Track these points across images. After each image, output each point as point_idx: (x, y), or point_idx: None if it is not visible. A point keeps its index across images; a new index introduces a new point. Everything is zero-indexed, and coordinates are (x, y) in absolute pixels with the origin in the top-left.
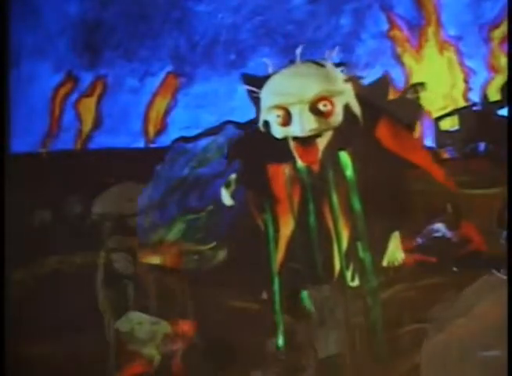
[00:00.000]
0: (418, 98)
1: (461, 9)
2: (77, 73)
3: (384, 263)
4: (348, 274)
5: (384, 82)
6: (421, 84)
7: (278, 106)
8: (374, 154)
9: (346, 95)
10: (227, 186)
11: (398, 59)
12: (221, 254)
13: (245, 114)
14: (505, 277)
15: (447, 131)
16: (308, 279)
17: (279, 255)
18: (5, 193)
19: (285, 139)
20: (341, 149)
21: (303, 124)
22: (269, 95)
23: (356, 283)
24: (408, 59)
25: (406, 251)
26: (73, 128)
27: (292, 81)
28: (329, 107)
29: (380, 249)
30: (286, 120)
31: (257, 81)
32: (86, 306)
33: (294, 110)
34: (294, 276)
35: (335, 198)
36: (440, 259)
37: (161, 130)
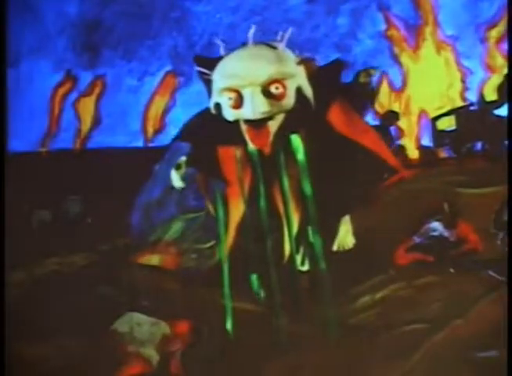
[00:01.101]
0: (370, 82)
1: (458, 9)
2: (77, 72)
3: (334, 248)
4: (298, 258)
5: (336, 65)
6: (373, 68)
7: (230, 89)
8: (326, 138)
9: (298, 78)
10: (177, 168)
11: (395, 58)
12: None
13: None
14: (501, 278)
15: (444, 131)
16: (258, 263)
17: (228, 239)
18: (5, 192)
19: (236, 122)
20: (293, 132)
21: (255, 106)
22: (221, 77)
23: (306, 267)
24: (405, 59)
25: (404, 249)
26: (72, 127)
27: (244, 64)
28: (281, 90)
29: (330, 234)
30: (238, 102)
31: (209, 63)
32: (85, 307)
33: (246, 93)
34: (244, 260)
35: (286, 182)
36: (437, 258)
37: (160, 129)
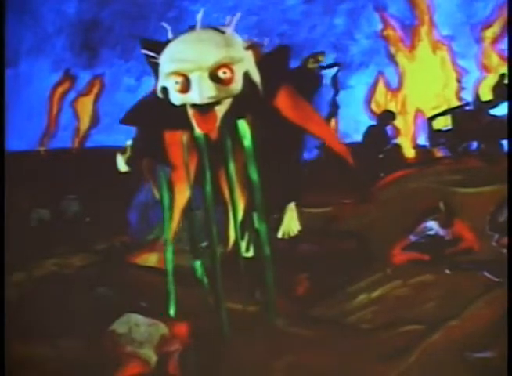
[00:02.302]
0: (318, 68)
1: (454, 9)
2: (75, 72)
3: (279, 235)
4: (243, 245)
5: (284, 51)
6: (321, 54)
7: (177, 73)
8: (273, 124)
9: (246, 63)
10: (123, 152)
11: (391, 58)
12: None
13: None
14: (497, 279)
15: (440, 131)
16: (202, 248)
17: (173, 224)
18: (4, 192)
19: (183, 106)
20: (240, 117)
21: (202, 91)
22: (168, 60)
23: (251, 253)
24: (401, 59)
25: (400, 248)
26: (70, 126)
27: (192, 47)
28: (228, 75)
29: (276, 220)
30: (185, 86)
31: (156, 46)
32: (84, 308)
33: (193, 77)
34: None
35: (232, 167)
36: (433, 257)
37: None
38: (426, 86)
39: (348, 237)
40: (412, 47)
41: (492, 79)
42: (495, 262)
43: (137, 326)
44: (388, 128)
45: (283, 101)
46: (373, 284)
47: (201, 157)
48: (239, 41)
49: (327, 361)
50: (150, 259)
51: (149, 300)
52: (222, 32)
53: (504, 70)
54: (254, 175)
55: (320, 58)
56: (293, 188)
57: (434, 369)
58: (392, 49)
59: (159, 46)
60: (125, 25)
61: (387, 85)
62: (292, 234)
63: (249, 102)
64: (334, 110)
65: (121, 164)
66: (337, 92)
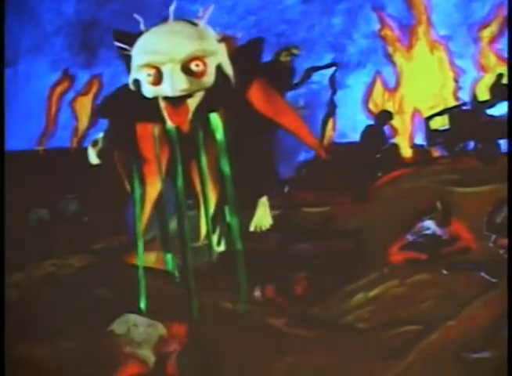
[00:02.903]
0: (291, 61)
1: (451, 9)
2: (74, 72)
3: (251, 228)
4: (214, 238)
5: (257, 44)
6: (295, 47)
7: (149, 65)
8: (245, 117)
9: (219, 56)
10: (94, 144)
11: (389, 58)
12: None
13: None
14: (494, 280)
15: (437, 131)
16: (174, 242)
17: (144, 217)
18: (4, 191)
19: (155, 99)
20: (212, 110)
21: (174, 83)
22: (140, 53)
23: (222, 248)
24: (399, 59)
25: (397, 248)
26: (69, 126)
27: (164, 40)
28: (201, 67)
29: (248, 214)
30: (157, 79)
31: (128, 38)
32: (83, 308)
33: (166, 70)
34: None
35: (204, 161)
36: (430, 256)
37: None
38: (423, 86)
39: (346, 237)
40: (409, 47)
41: (489, 79)
42: (492, 262)
43: (135, 326)
44: (386, 128)
45: (256, 94)
46: (371, 283)
47: (173, 150)
48: (212, 34)
49: (325, 361)
50: (149, 259)
51: (148, 300)
52: (195, 24)
53: (501, 69)
54: (225, 168)
55: (294, 51)
56: (266, 182)
57: (432, 369)
58: (390, 49)
59: (131, 38)
60: (124, 25)
61: (385, 85)
62: (264, 228)
63: (221, 95)
64: (332, 109)
65: (93, 157)
66: (334, 92)
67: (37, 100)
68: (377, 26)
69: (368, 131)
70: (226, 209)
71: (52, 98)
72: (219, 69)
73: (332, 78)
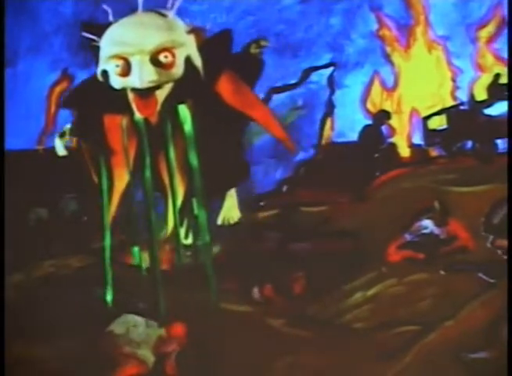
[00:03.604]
0: (260, 53)
1: (449, 9)
2: (73, 71)
3: (219, 221)
4: (182, 231)
5: (225, 36)
6: (264, 39)
7: (117, 56)
8: (214, 109)
9: (188, 47)
10: (61, 136)
11: (387, 58)
12: (214, 251)
13: None
14: (492, 281)
15: (435, 130)
16: (141, 234)
17: (111, 209)
18: (4, 191)
19: (123, 90)
20: (180, 102)
21: (142, 75)
22: (109, 44)
23: (190, 240)
24: (397, 59)
25: (395, 247)
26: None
27: (133, 31)
28: (170, 59)
29: (215, 207)
30: (126, 70)
31: (97, 29)
32: (82, 309)
33: (134, 61)
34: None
35: (172, 153)
36: (428, 256)
37: None
38: (421, 85)
39: (344, 236)
40: (407, 47)
41: (486, 79)
42: (490, 263)
43: (135, 327)
44: (384, 128)
45: (225, 87)
46: (369, 283)
47: (141, 141)
48: (181, 25)
49: (324, 361)
50: (145, 258)
51: (147, 301)
52: (164, 16)
53: (499, 69)
54: (193, 160)
55: (262, 43)
56: (234, 174)
57: (430, 369)
58: (388, 49)
59: (100, 29)
60: None
61: (383, 85)
62: (232, 221)
63: (190, 87)
64: (330, 109)
65: (60, 148)
66: (333, 92)
67: (36, 100)
68: (375, 26)
69: (366, 131)
70: (194, 201)
71: (52, 97)
72: (188, 60)
73: (330, 78)
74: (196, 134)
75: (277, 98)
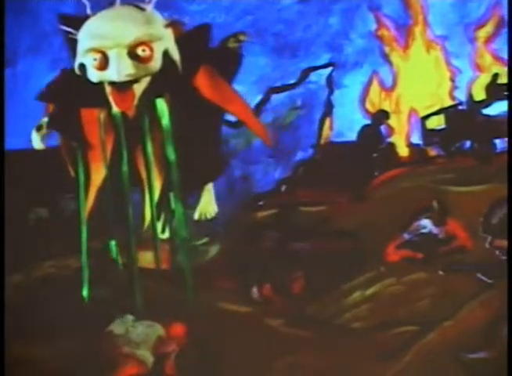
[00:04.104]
0: (239, 47)
1: (447, 9)
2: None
3: (196, 216)
4: (159, 225)
5: (204, 30)
6: (242, 33)
7: (95, 49)
8: (192, 103)
9: (166, 41)
10: (38, 129)
11: (385, 58)
12: (214, 250)
13: None
14: (490, 281)
15: (433, 130)
16: (118, 229)
17: (88, 203)
18: (4, 191)
19: (101, 84)
20: (158, 96)
21: (120, 68)
22: (86, 37)
23: (166, 235)
24: (395, 58)
25: (394, 246)
26: None
27: (111, 24)
28: (148, 52)
29: (193, 201)
30: (103, 64)
31: (74, 22)
32: (81, 309)
33: (112, 54)
34: (103, 226)
35: (149, 147)
36: (426, 255)
37: None
38: (420, 85)
39: (343, 236)
40: (406, 47)
41: (484, 79)
42: (488, 263)
43: (134, 327)
44: (382, 127)
45: (202, 80)
46: (368, 282)
47: (118, 135)
48: (159, 19)
49: (323, 361)
50: (145, 258)
51: (146, 301)
52: (142, 9)
53: (497, 69)
54: (171, 154)
55: (241, 37)
56: (211, 169)
57: (429, 369)
58: (386, 49)
59: (77, 22)
60: None
61: (382, 85)
62: (209, 216)
63: (168, 81)
64: (329, 109)
65: (36, 142)
66: (331, 92)
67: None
68: (374, 26)
69: (365, 131)
70: (171, 196)
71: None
72: (166, 54)
73: (329, 78)
74: (173, 128)
75: (276, 98)
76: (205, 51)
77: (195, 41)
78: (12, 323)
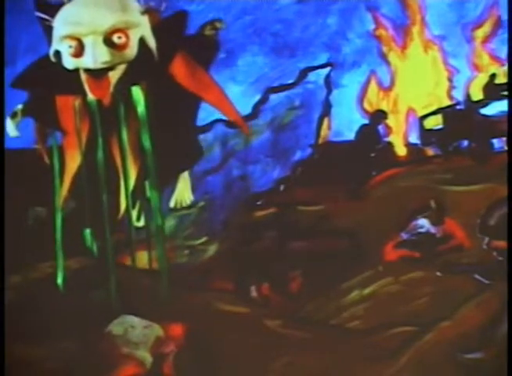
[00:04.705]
0: (215, 35)
1: (445, 9)
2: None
3: (172, 204)
4: (134, 213)
5: (181, 17)
6: (219, 21)
7: (70, 36)
8: (168, 91)
9: (142, 28)
10: (13, 116)
11: (383, 58)
12: (212, 249)
13: None
14: (487, 282)
15: (431, 130)
16: (93, 217)
17: (63, 190)
18: (4, 190)
19: (76, 71)
20: (134, 84)
21: (96, 56)
22: (62, 24)
23: (142, 223)
24: (393, 58)
25: (392, 246)
26: None
27: (86, 11)
28: (123, 40)
29: (168, 189)
30: (79, 51)
31: (50, 9)
32: (80, 310)
33: (87, 41)
34: (78, 213)
35: (125, 134)
36: (424, 254)
37: None
38: (417, 85)
39: (341, 235)
40: (404, 46)
41: (482, 78)
42: (485, 264)
43: (132, 327)
44: (380, 127)
45: (179, 68)
46: (366, 281)
47: (93, 123)
48: (135, 6)
49: (319, 362)
50: (141, 257)
51: (145, 302)
52: None
53: (494, 69)
54: (146, 142)
55: (217, 25)
56: (187, 157)
57: (426, 369)
58: (384, 49)
59: (53, 9)
60: None
61: (380, 84)
62: (184, 204)
63: (144, 68)
64: (327, 109)
65: (12, 130)
66: (330, 92)
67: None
68: (372, 26)
69: (363, 131)
70: (146, 184)
71: None
72: (142, 41)
73: (327, 78)
74: (149, 115)
75: (274, 98)
76: (181, 38)
77: (171, 29)
78: (12, 325)
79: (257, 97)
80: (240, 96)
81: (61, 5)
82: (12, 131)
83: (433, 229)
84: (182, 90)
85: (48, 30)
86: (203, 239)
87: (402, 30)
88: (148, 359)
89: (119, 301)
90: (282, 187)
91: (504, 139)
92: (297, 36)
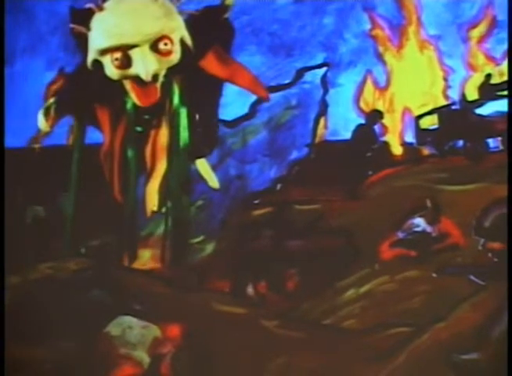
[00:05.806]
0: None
1: (440, 9)
2: (69, 70)
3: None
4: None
5: (212, 12)
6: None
7: (114, 48)
8: (200, 82)
9: (181, 29)
10: (45, 112)
11: (379, 57)
12: (209, 248)
13: (235, 112)
14: (483, 283)
15: (427, 130)
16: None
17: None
18: (4, 190)
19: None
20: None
21: (147, 66)
22: (103, 36)
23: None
24: (389, 58)
25: (388, 245)
26: (65, 123)
27: (128, 21)
28: (169, 46)
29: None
30: (126, 62)
31: (84, 16)
32: (79, 310)
33: (135, 53)
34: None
35: (165, 131)
36: (420, 253)
37: None
38: (413, 85)
39: (337, 234)
40: (399, 46)
41: (477, 78)
42: (481, 265)
43: (130, 328)
44: (376, 127)
45: (211, 61)
46: (361, 280)
47: (128, 121)
48: (173, 8)
49: (316, 362)
50: (144, 255)
51: (143, 303)
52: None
53: (490, 69)
54: (184, 134)
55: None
56: (205, 145)
57: (421, 370)
58: (380, 49)
59: (86, 16)
60: None
61: (376, 84)
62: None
63: (180, 65)
64: (324, 108)
65: (43, 124)
66: (326, 91)
67: (33, 99)
68: (368, 26)
69: (359, 130)
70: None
71: (48, 96)
72: (182, 42)
73: (324, 78)
74: (186, 109)
75: (271, 97)
76: (214, 32)
77: (204, 23)
78: (12, 325)
79: (254, 97)
80: (237, 96)
81: (92, 13)
82: (43, 125)
83: (429, 228)
84: (213, 79)
85: (80, 37)
86: (201, 238)
87: (398, 30)
88: (145, 360)
89: (117, 301)
90: (278, 186)
91: (499, 138)
92: (293, 36)
